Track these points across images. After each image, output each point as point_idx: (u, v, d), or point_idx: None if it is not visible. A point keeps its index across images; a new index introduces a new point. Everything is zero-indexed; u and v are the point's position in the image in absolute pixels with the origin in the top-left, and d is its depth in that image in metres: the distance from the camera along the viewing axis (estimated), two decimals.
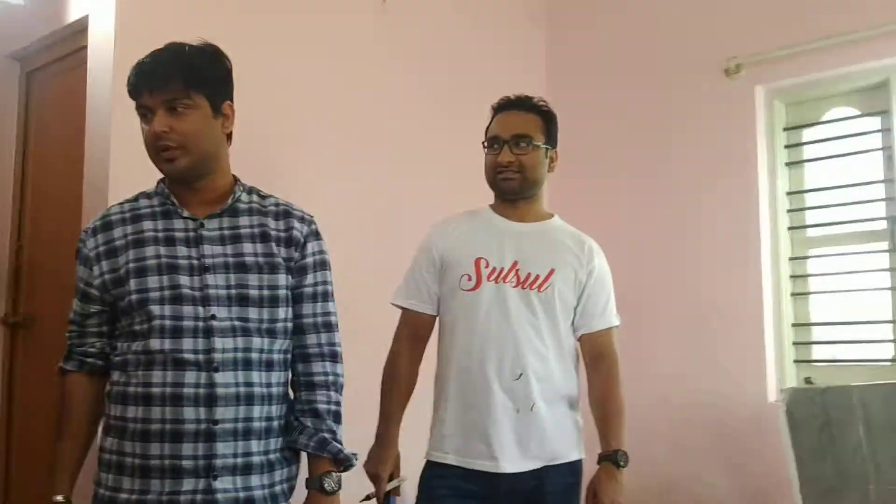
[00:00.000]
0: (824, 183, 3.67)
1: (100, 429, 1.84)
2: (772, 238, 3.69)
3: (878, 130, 3.51)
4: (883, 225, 3.47)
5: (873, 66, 3.46)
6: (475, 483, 2.21)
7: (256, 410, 1.76)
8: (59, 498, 1.79)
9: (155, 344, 1.72)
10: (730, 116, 3.77)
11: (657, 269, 3.90)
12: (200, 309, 1.75)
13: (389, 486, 2.41)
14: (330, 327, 1.91)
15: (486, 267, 2.28)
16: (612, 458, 2.20)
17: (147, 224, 1.82)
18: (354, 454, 1.86)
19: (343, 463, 1.83)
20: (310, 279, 1.89)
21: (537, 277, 2.27)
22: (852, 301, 3.55)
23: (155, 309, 1.73)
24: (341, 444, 1.84)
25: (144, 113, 1.79)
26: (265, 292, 1.81)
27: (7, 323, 3.39)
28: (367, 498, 2.34)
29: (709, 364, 3.71)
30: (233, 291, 1.78)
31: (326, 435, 1.82)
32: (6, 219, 3.47)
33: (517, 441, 2.21)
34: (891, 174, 3.44)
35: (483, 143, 2.37)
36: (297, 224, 1.89)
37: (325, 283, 1.92)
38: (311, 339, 1.88)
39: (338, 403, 1.87)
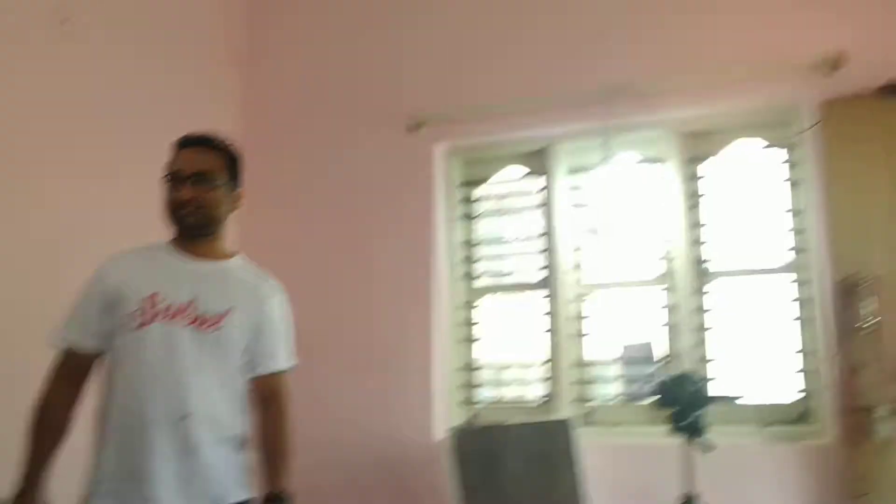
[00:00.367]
0: (496, 235, 4.00)
1: None
2: (450, 286, 3.94)
3: (540, 190, 3.90)
4: (540, 276, 3.84)
5: (537, 133, 3.85)
6: None
7: None
8: None
9: None
10: (411, 170, 3.98)
11: (337, 313, 3.97)
12: None
13: None
14: None
15: (159, 304, 2.21)
16: (275, 500, 2.25)
17: None
18: None
19: None
20: None
21: (212, 317, 2.24)
22: (514, 346, 3.88)
23: None
24: None
25: None
26: None
27: None
28: None
29: (381, 405, 3.83)
30: None
31: None
32: None
33: (179, 484, 2.14)
34: (549, 230, 3.83)
35: (163, 178, 2.30)
36: None
37: None
38: None
39: None
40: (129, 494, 2.12)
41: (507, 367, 3.94)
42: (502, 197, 4.07)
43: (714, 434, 3.13)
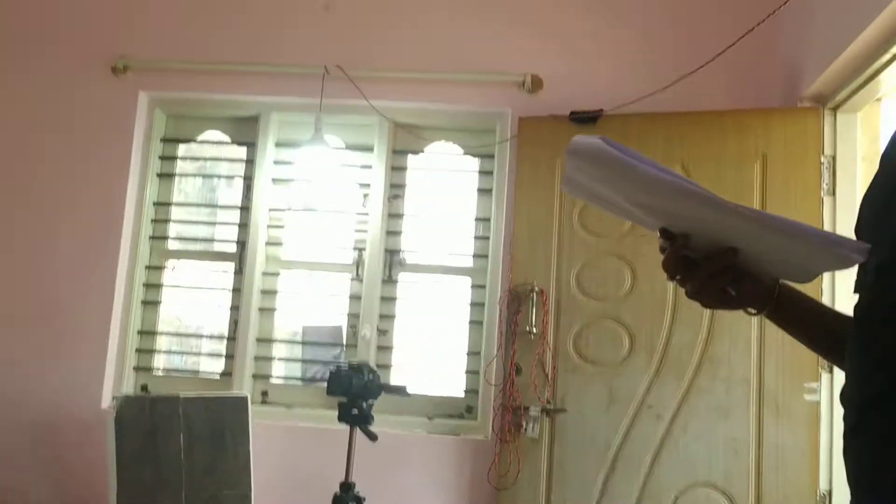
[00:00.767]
0: (195, 198, 3.83)
1: None
2: (132, 245, 3.71)
3: (245, 160, 3.78)
4: (233, 248, 3.74)
5: (249, 99, 3.72)
6: None
7: None
8: None
9: None
10: (110, 116, 3.71)
11: (16, 264, 3.64)
12: None
13: None
14: None
15: None
16: None
17: None
18: None
19: None
20: None
21: None
22: (198, 316, 3.75)
23: None
24: None
25: None
26: None
27: None
28: None
29: (51, 366, 3.56)
30: None
31: None
32: None
33: None
34: (248, 202, 3.73)
35: None
36: None
37: None
38: None
39: None
40: None
41: (191, 336, 3.80)
42: (207, 160, 3.91)
43: (384, 423, 3.24)
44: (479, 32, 3.59)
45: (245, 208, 3.73)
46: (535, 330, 3.27)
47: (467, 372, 3.60)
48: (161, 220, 3.80)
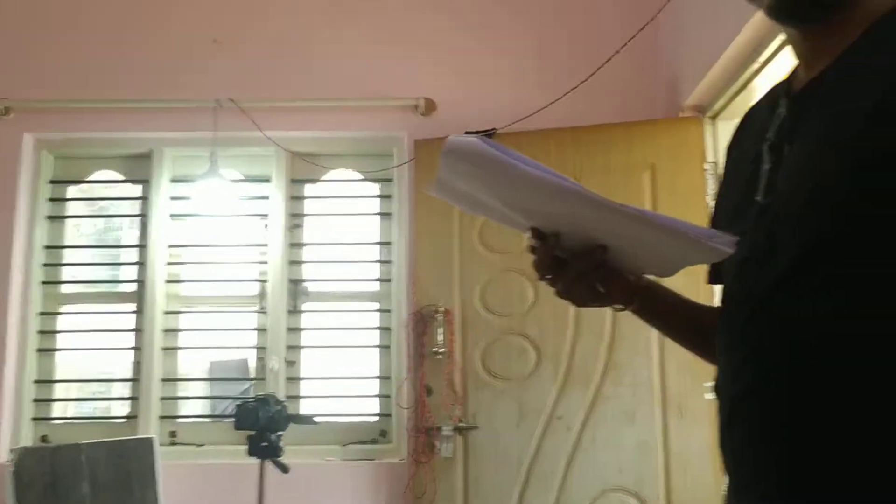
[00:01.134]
0: (89, 240, 3.74)
1: None
2: (22, 292, 3.58)
3: (139, 198, 3.70)
4: (132, 287, 3.65)
5: (140, 136, 3.66)
6: None
7: None
8: None
9: None
10: None
11: None
12: None
13: None
14: None
15: None
16: None
17: None
18: None
19: None
20: None
21: None
22: (99, 360, 3.64)
23: None
24: None
25: None
26: None
27: None
28: None
29: None
30: None
31: None
32: None
33: None
34: (145, 240, 3.64)
35: None
36: None
37: None
38: None
39: None
40: None
41: (92, 381, 3.69)
42: (100, 200, 3.82)
43: (297, 453, 3.21)
44: (371, 59, 3.62)
45: (143, 246, 3.65)
46: (442, 350, 3.29)
47: (379, 396, 3.58)
48: (53, 265, 3.67)
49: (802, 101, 1.02)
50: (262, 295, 3.62)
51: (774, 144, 1.04)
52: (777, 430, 0.94)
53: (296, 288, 3.64)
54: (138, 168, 3.72)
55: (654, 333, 3.12)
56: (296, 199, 3.70)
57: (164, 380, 3.59)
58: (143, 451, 3.21)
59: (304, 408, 3.61)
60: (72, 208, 3.75)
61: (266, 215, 3.65)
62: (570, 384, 3.21)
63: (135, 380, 3.58)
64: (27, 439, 3.50)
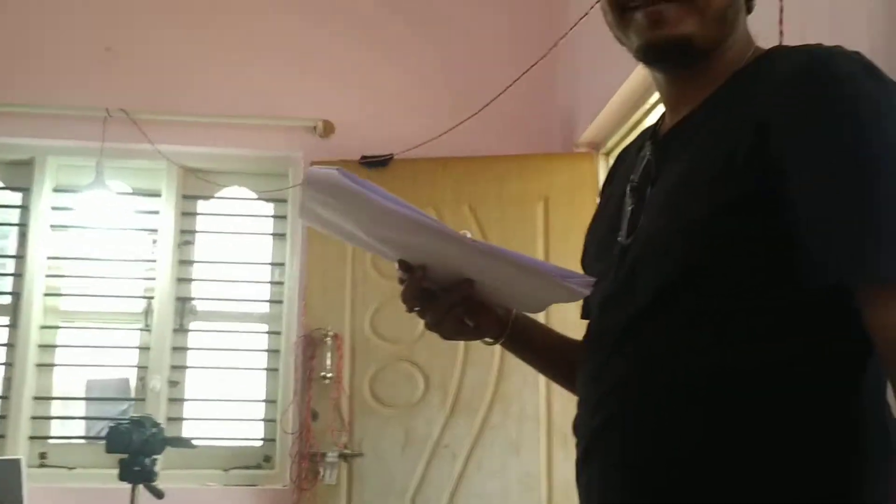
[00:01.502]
0: None
1: None
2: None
3: (18, 206, 3.55)
4: (7, 300, 3.48)
5: (22, 142, 3.50)
6: None
7: None
8: None
9: None
10: None
11: None
12: None
13: None
14: None
15: None
16: None
17: None
18: None
19: None
20: None
21: None
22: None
23: None
24: None
25: None
26: None
27: None
28: None
29: None
30: None
31: None
32: None
33: None
34: (23, 251, 3.49)
35: None
36: None
37: None
38: None
39: None
40: None
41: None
42: None
43: (177, 478, 3.10)
44: (270, 77, 3.57)
45: (20, 257, 3.49)
46: (330, 374, 3.24)
47: (264, 420, 3.50)
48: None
49: (666, 145, 1.05)
50: (147, 312, 3.50)
51: (636, 186, 1.06)
52: (634, 458, 0.96)
53: (183, 306, 3.53)
54: (18, 175, 3.56)
55: None
56: (187, 215, 3.61)
57: (35, 398, 3.43)
58: (9, 473, 3.05)
59: (187, 430, 3.49)
60: None
61: (155, 230, 3.54)
62: (458, 413, 3.20)
63: (4, 397, 3.40)
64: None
